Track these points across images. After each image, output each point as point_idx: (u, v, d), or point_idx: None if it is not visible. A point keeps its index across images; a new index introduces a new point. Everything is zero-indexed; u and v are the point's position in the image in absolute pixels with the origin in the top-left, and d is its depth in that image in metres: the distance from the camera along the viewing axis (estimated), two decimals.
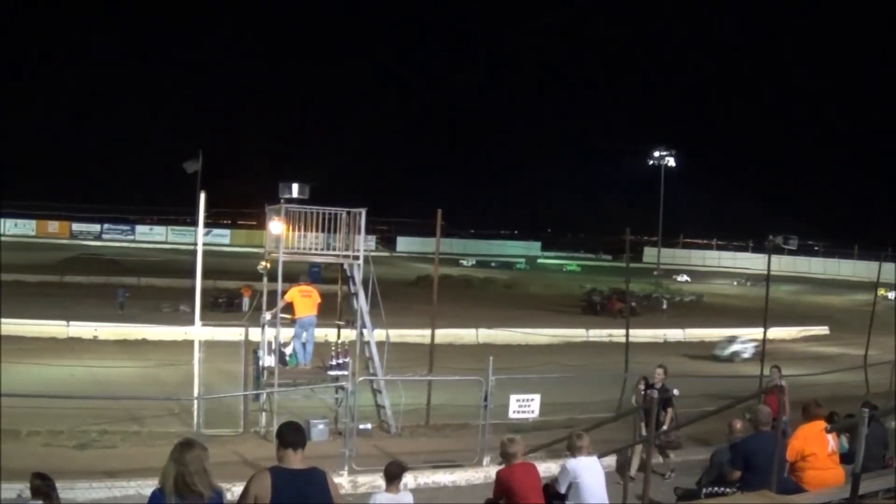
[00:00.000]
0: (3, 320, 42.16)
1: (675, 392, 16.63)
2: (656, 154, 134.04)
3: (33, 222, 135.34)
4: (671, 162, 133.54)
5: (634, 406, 22.27)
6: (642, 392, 21.01)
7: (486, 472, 20.37)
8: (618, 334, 39.52)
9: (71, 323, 45.53)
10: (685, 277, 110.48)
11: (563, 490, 12.51)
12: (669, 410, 20.59)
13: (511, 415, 23.07)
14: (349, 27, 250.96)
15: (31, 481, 10.86)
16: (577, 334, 51.46)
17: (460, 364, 30.79)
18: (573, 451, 12.74)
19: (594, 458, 12.92)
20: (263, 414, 25.10)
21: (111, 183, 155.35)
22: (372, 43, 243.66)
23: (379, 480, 14.62)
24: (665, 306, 72.41)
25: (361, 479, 19.87)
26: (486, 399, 22.57)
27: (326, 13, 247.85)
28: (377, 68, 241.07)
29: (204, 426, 24.12)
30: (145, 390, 28.93)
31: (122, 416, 25.55)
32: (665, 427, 20.49)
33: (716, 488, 14.06)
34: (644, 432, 18.81)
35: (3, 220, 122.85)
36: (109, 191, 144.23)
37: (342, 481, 19.18)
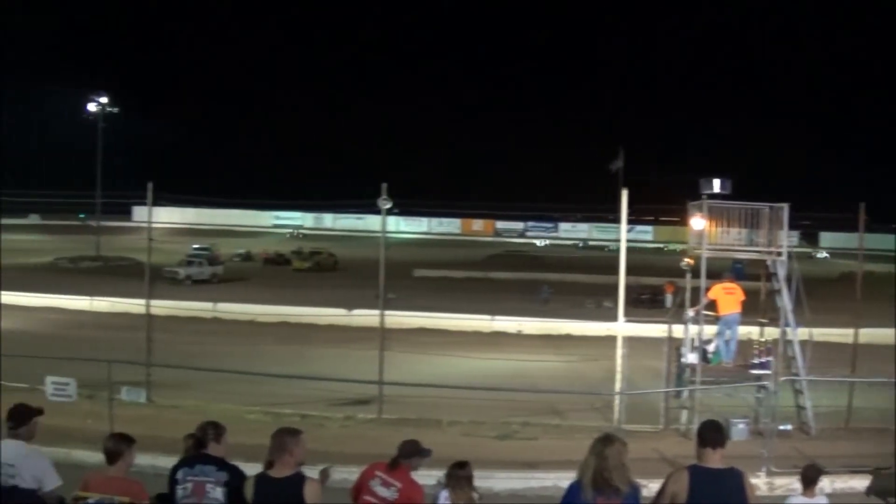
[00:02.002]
0: (431, 314, 43.79)
1: None
2: None
3: (458, 221, 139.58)
4: None
5: None
6: None
7: None
8: None
9: (495, 317, 46.58)
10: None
11: None
12: None
13: None
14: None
15: (450, 470, 11.09)
16: None
17: (884, 365, 29.39)
18: None
19: None
20: (684, 411, 24.83)
21: (535, 182, 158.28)
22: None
23: (795, 483, 14.16)
24: None
25: (778, 481, 19.32)
26: None
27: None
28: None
29: (624, 421, 24.12)
30: (567, 384, 29.22)
31: (544, 408, 25.90)
32: None
33: None
34: None
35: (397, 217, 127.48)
36: (533, 189, 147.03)
37: (759, 482, 18.70)
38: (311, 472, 9.02)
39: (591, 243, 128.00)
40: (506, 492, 18.34)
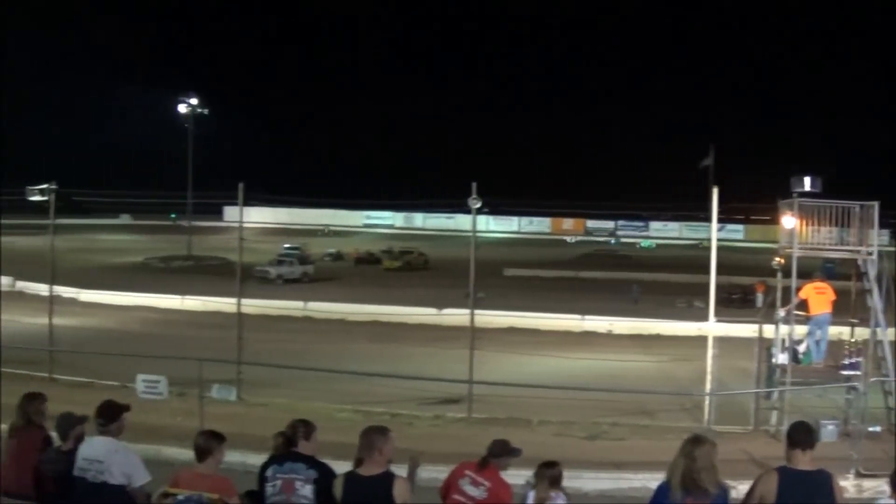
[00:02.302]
0: (521, 314, 43.84)
1: None
2: None
3: (547, 220, 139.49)
4: None
5: None
6: None
7: None
8: None
9: (586, 317, 46.49)
10: None
11: None
12: None
13: None
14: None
15: (538, 469, 11.10)
16: None
17: None
18: None
19: None
20: (774, 412, 24.61)
21: (625, 180, 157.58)
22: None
23: (884, 486, 14.00)
24: None
25: (867, 483, 19.12)
26: None
27: None
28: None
29: (714, 422, 23.95)
30: (657, 384, 29.13)
31: (633, 409, 25.80)
32: None
33: None
34: None
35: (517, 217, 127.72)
36: (623, 188, 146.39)
37: (847, 485, 18.49)
38: (400, 470, 9.09)
39: (622, 240, 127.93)
40: (595, 492, 18.31)
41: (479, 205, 27.69)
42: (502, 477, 10.17)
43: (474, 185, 27.18)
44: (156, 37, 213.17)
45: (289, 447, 9.50)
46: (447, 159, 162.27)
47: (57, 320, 31.21)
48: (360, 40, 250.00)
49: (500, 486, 10.05)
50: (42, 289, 44.00)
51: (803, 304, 24.84)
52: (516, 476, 10.77)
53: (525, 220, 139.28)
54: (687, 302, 52.85)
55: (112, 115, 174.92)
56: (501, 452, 10.31)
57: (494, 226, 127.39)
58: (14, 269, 60.95)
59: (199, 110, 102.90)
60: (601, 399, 25.58)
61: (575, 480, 16.18)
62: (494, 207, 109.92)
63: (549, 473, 10.85)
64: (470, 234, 29.85)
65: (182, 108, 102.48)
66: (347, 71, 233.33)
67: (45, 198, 31.57)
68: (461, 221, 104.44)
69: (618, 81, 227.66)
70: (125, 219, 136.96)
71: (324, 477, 9.01)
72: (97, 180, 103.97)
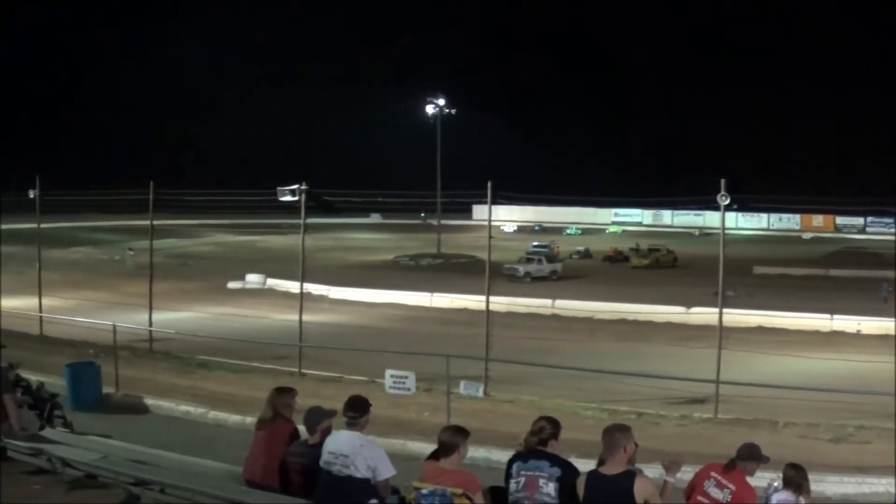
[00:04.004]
0: (769, 313, 43.23)
1: None
2: None
3: (797, 216, 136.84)
4: None
5: None
6: None
7: None
8: None
9: (835, 316, 45.50)
10: None
11: None
12: None
13: None
14: None
15: (784, 471, 10.92)
16: None
17: None
18: None
19: None
20: None
21: (876, 175, 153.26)
22: None
23: None
24: None
25: None
26: None
27: None
28: None
29: None
30: None
31: (880, 411, 25.04)
32: None
33: None
34: None
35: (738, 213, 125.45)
36: (874, 184, 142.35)
37: None
38: (648, 470, 9.07)
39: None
40: (837, 496, 17.87)
41: (727, 201, 27.36)
42: (748, 481, 10.06)
43: (723, 181, 26.88)
44: (404, 37, 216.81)
45: (536, 445, 9.57)
46: (697, 156, 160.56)
47: (307, 317, 31.99)
48: (606, 39, 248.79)
49: (745, 490, 9.95)
50: (292, 286, 45.48)
51: None
52: (759, 478, 10.65)
53: (774, 216, 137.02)
54: None
55: (363, 115, 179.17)
56: (749, 456, 10.21)
57: (743, 222, 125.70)
58: (265, 268, 63.30)
59: (447, 110, 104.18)
60: (847, 401, 24.94)
61: (818, 484, 15.87)
62: (743, 204, 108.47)
63: (800, 476, 10.68)
64: (719, 231, 29.58)
65: (430, 109, 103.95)
66: (597, 70, 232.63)
67: (295, 198, 32.47)
68: (710, 218, 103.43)
69: (868, 75, 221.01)
70: (375, 218, 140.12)
71: (567, 475, 9.05)
72: (348, 180, 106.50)
